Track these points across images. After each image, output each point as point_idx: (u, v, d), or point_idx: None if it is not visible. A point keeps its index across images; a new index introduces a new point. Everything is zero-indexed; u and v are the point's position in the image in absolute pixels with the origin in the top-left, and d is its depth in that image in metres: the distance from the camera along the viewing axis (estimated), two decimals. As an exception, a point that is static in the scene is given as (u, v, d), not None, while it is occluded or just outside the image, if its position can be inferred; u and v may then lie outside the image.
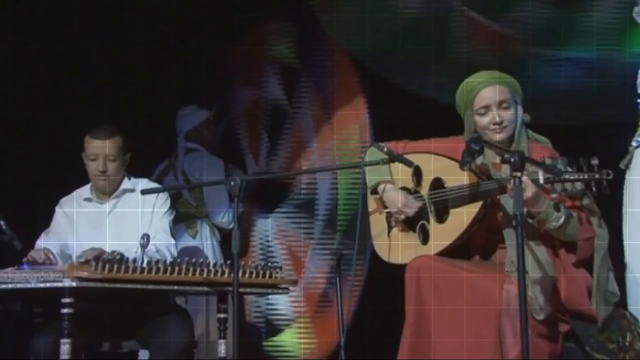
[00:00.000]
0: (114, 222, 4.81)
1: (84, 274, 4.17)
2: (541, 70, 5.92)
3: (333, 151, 6.52)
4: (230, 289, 4.39)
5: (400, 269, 4.34)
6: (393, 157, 4.32)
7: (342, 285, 4.67)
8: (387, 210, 4.54)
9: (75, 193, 4.96)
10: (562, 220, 4.16)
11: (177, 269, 4.32)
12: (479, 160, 4.31)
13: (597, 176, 4.00)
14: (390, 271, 4.53)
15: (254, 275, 4.50)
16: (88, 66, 6.27)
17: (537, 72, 5.86)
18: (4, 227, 4.67)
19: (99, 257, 4.34)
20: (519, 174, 3.90)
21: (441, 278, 4.20)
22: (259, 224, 6.63)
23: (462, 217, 4.30)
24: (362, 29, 6.28)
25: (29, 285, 4.23)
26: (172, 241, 4.82)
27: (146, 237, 4.42)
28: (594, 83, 5.86)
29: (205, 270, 4.38)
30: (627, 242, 4.48)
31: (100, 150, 4.80)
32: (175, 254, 4.77)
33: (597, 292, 4.22)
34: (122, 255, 4.37)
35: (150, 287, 4.31)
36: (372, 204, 4.62)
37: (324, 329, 6.34)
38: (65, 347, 4.20)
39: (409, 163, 4.35)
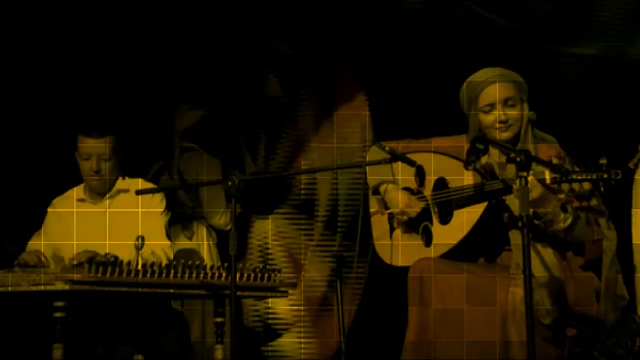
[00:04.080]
0: (108, 224, 4.75)
1: (77, 277, 4.11)
2: (548, 67, 5.89)
3: (333, 151, 6.47)
4: (227, 292, 4.34)
5: (402, 271, 4.30)
6: (395, 157, 4.28)
7: (343, 288, 4.64)
8: (389, 211, 4.50)
9: (68, 193, 4.92)
10: (569, 221, 4.14)
11: (172, 271, 4.27)
12: (484, 159, 4.27)
13: (605, 176, 3.95)
14: (391, 273, 4.49)
15: (252, 278, 4.46)
16: (82, 64, 6.22)
17: (543, 69, 5.82)
18: (-6, 228, 4.64)
19: (92, 260, 4.30)
20: (524, 173, 3.86)
21: (444, 281, 4.18)
22: (257, 225, 6.58)
23: (467, 218, 4.28)
24: (364, 24, 6.23)
25: (20, 289, 4.16)
26: (168, 243, 4.80)
27: (141, 239, 4.37)
28: (602, 80, 5.82)
29: (202, 272, 4.34)
30: (635, 243, 4.44)
31: (93, 149, 4.77)
32: (171, 256, 4.75)
33: (605, 295, 4.21)
34: (116, 257, 4.32)
35: (146, 290, 4.26)
36: (373, 205, 4.61)
37: (324, 332, 6.31)
38: (57, 351, 4.15)
39: (411, 163, 4.32)
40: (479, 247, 4.35)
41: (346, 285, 5.52)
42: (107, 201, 4.83)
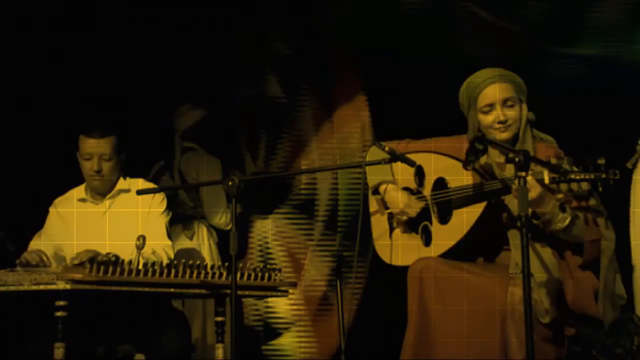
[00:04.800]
0: (109, 223, 4.76)
1: (79, 277, 4.10)
2: (547, 67, 5.89)
3: (333, 151, 6.47)
4: (228, 291, 4.35)
5: (402, 271, 4.30)
6: (395, 157, 4.27)
7: (343, 288, 4.64)
8: (388, 211, 4.50)
9: (69, 193, 4.90)
10: (567, 221, 4.13)
11: (173, 271, 4.27)
12: (483, 159, 4.27)
13: (603, 176, 3.95)
14: (391, 273, 4.50)
15: (252, 277, 4.45)
16: (83, 64, 6.22)
17: (542, 69, 5.82)
18: (-4, 228, 4.64)
19: (93, 259, 4.28)
20: (523, 173, 3.87)
21: (444, 280, 4.18)
22: (258, 225, 6.58)
23: (466, 218, 4.27)
24: (363, 25, 6.23)
25: (22, 288, 4.16)
26: (169, 242, 4.77)
27: (142, 239, 4.36)
28: (601, 81, 5.82)
29: (203, 272, 4.33)
30: (634, 243, 4.44)
31: (94, 149, 4.75)
32: (172, 256, 4.72)
33: (603, 295, 4.20)
34: (117, 257, 4.31)
35: (146, 289, 4.25)
36: (373, 205, 4.61)
37: (324, 332, 6.31)
38: (59, 351, 4.14)
39: (411, 163, 4.31)
40: (478, 247, 4.35)
41: (346, 285, 5.53)
42: (108, 201, 4.81)
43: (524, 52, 5.92)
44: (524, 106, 4.35)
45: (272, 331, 6.50)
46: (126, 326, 4.56)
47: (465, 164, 4.14)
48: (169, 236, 4.82)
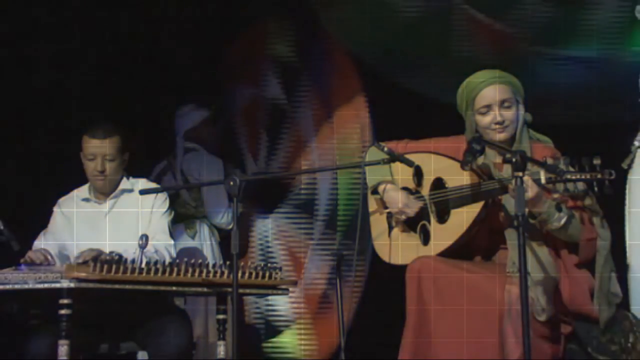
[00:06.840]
0: (112, 223, 4.79)
1: (82, 275, 4.14)
2: (543, 69, 5.90)
3: (333, 151, 6.50)
4: (229, 289, 4.38)
5: (401, 269, 4.33)
6: (394, 157, 4.31)
7: (343, 286, 4.66)
8: (387, 210, 4.52)
9: (73, 193, 4.93)
10: (563, 220, 4.15)
11: (175, 269, 4.29)
12: (480, 160, 4.29)
13: (599, 176, 3.98)
14: (390, 272, 4.52)
15: (253, 276, 4.47)
16: (86, 65, 6.25)
17: (539, 71, 5.84)
18: (1, 227, 4.64)
19: (97, 258, 4.32)
20: (520, 174, 3.89)
21: (442, 279, 4.19)
22: (259, 224, 6.61)
23: (463, 217, 4.29)
24: (363, 27, 6.26)
25: (26, 286, 4.19)
26: (171, 242, 4.79)
27: (145, 238, 4.38)
28: (596, 82, 5.84)
29: (204, 271, 4.35)
30: (629, 242, 4.47)
31: (98, 150, 4.77)
32: (174, 255, 4.74)
33: (599, 293, 4.22)
34: (120, 256, 4.34)
35: (149, 288, 4.28)
36: (372, 204, 4.62)
37: (324, 330, 6.33)
38: (63, 348, 4.17)
39: (409, 163, 4.34)
40: (476, 246, 4.38)
41: (346, 284, 5.56)
42: (111, 201, 4.84)
43: (521, 53, 5.94)
44: (521, 107, 4.36)
45: (272, 329, 6.52)
46: (129, 324, 4.59)
47: (463, 164, 4.16)
48: (171, 235, 4.84)
